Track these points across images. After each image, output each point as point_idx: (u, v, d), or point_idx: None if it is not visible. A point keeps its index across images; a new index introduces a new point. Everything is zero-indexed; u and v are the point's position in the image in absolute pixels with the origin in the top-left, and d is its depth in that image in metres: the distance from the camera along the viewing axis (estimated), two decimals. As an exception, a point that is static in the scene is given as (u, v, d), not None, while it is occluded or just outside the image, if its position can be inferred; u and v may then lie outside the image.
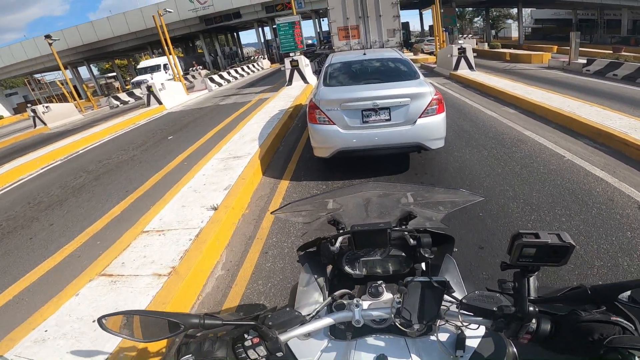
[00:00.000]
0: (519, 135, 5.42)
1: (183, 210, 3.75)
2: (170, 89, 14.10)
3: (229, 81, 20.06)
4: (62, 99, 23.99)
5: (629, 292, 0.66)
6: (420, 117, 4.03)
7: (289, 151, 5.92)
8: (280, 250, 3.13)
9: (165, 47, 14.92)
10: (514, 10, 35.01)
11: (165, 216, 3.69)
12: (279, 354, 0.74)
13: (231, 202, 3.78)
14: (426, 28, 37.69)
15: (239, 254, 3.16)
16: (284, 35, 13.33)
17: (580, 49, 13.08)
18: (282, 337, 0.76)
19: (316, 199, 1.16)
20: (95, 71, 44.59)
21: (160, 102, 13.32)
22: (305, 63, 13.27)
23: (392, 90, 4.12)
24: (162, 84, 13.68)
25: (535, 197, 3.48)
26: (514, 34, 37.42)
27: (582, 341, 0.62)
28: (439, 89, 9.47)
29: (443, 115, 4.14)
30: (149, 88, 13.28)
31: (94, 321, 2.14)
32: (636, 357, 0.54)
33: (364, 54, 5.52)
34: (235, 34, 43.79)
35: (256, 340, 0.73)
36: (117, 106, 18.53)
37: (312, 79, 13.76)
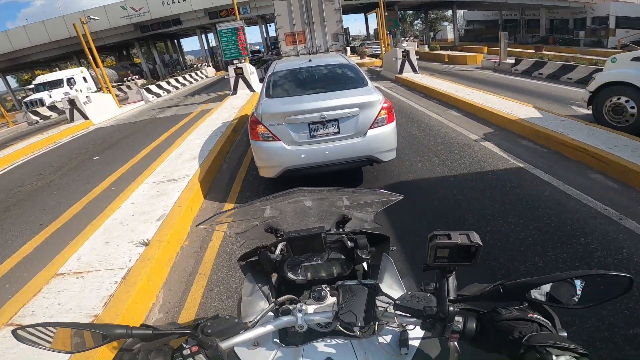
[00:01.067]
0: (465, 140, 5.49)
1: (107, 248, 3.22)
2: (98, 101, 12.71)
3: (168, 91, 18.74)
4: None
5: (544, 288, 0.66)
6: (370, 127, 3.79)
7: (234, 169, 5.42)
8: (228, 286, 2.75)
9: (90, 57, 13.42)
10: (449, 13, 37.50)
11: (85, 255, 3.15)
12: None
13: (165, 235, 3.29)
14: (371, 32, 38.92)
15: (179, 294, 2.75)
16: (227, 42, 12.67)
17: (507, 49, 14.12)
18: (224, 345, 0.75)
19: (246, 208, 1.15)
20: (14, 83, 39.60)
21: (86, 117, 11.92)
22: (250, 70, 12.76)
23: (340, 100, 3.81)
24: (87, 96, 12.26)
25: (488, 205, 3.42)
26: (450, 35, 40.00)
27: (504, 339, 0.64)
28: (386, 93, 9.73)
29: (393, 124, 3.94)
30: (71, 102, 11.82)
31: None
32: (553, 355, 0.55)
33: (310, 60, 5.13)
34: (176, 41, 41.55)
35: (195, 348, 0.71)
36: (37, 122, 16.41)
37: (258, 86, 13.24)
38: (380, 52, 26.86)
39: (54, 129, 11.48)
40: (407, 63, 11.66)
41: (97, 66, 13.88)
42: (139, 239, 3.25)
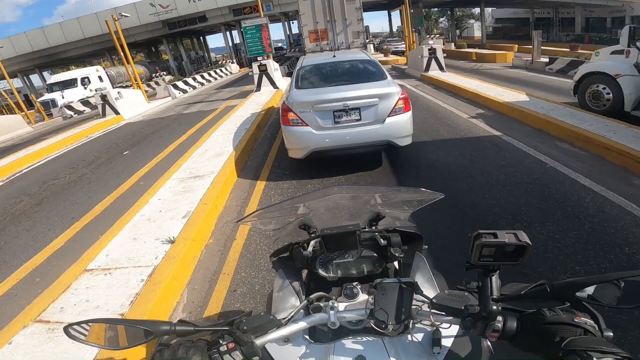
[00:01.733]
0: (496, 140, 5.26)
1: (134, 244, 3.25)
2: (129, 97, 13.13)
3: (194, 87, 19.13)
4: (7, 110, 21.99)
5: (588, 290, 0.65)
6: (388, 116, 4.21)
7: (258, 166, 5.43)
8: (251, 287, 2.72)
9: (122, 53, 13.89)
10: (477, 10, 36.26)
11: (113, 251, 3.18)
12: (255, 359, 0.74)
13: (191, 233, 3.30)
14: (395, 29, 38.36)
15: (203, 293, 2.74)
16: (251, 39, 12.76)
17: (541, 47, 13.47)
18: (258, 342, 0.75)
19: (283, 205, 1.16)
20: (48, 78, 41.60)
21: (117, 112, 12.34)
22: (274, 67, 12.81)
23: (361, 91, 4.25)
24: (118, 92, 12.68)
25: (524, 210, 3.25)
26: (477, 33, 38.62)
27: (544, 342, 0.63)
28: (412, 92, 9.55)
29: (409, 113, 4.35)
30: (103, 97, 12.27)
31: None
32: (594, 358, 0.54)
33: (334, 55, 5.57)
34: (201, 38, 42.42)
35: (231, 345, 0.72)
36: (71, 116, 17.13)
37: (282, 83, 13.28)
38: (403, 49, 26.73)
39: (87, 123, 11.97)
40: (433, 61, 11.34)
41: (128, 62, 14.35)
42: (165, 236, 3.26)
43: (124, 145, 8.36)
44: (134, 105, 13.20)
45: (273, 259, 1.15)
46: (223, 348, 0.72)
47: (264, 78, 12.37)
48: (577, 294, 0.66)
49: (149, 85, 22.36)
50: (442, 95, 8.96)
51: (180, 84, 17.98)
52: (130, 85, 15.49)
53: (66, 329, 0.68)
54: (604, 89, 5.82)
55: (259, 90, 12.37)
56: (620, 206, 3.18)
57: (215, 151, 5.76)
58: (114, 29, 13.67)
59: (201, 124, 9.26)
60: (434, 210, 3.00)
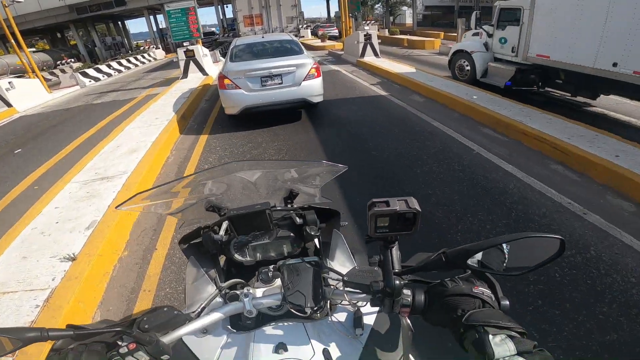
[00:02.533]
0: (426, 126, 5.33)
1: (24, 264, 2.65)
2: (23, 87, 10.98)
3: (109, 75, 16.86)
4: None
5: (477, 256, 0.63)
6: (304, 80, 5.42)
7: (181, 162, 4.76)
8: (179, 303, 2.27)
9: (13, 41, 11.57)
10: (409, -3, 37.64)
11: None
12: (165, 357, 0.66)
13: (97, 247, 2.74)
14: (332, 14, 38.18)
15: (120, 315, 2.29)
16: (176, 23, 11.43)
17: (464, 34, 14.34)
18: (166, 339, 0.68)
19: (171, 184, 1.01)
20: None
21: (9, 104, 10.26)
22: (203, 53, 11.67)
23: (282, 62, 5.44)
24: (9, 82, 10.50)
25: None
26: (408, 20, 40.12)
27: (448, 315, 0.62)
28: (347, 78, 9.47)
29: (320, 79, 5.61)
30: (-12, 88, 10.08)
31: None
32: (490, 334, 0.54)
33: (262, 37, 6.80)
34: (120, 22, 37.72)
35: (132, 346, 0.64)
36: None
37: (212, 69, 12.27)
38: (336, 34, 26.99)
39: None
40: (369, 47, 11.31)
41: (22, 50, 12.00)
42: (63, 252, 2.68)
43: (16, 142, 6.90)
44: (30, 96, 11.08)
45: (183, 246, 1.05)
46: (123, 350, 0.65)
47: (192, 64, 11.23)
48: (468, 261, 0.63)
49: (51, 74, 19.17)
50: (377, 80, 8.95)
51: (91, 71, 15.67)
52: (25, 75, 12.92)
53: None
54: (464, 62, 7.53)
55: (186, 77, 11.21)
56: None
57: (130, 147, 4.93)
58: (4, 16, 11.27)
59: (115, 114, 8.03)
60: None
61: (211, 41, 28.70)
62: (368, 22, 20.77)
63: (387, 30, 25.74)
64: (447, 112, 5.89)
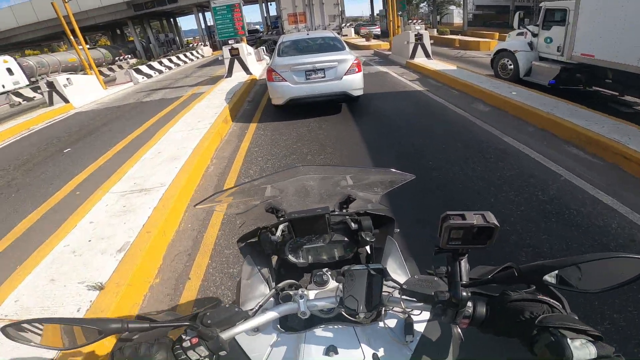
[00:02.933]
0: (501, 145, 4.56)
1: (52, 288, 2.44)
2: (80, 83, 11.52)
3: (160, 72, 17.44)
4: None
5: (555, 272, 0.64)
6: (345, 74, 5.75)
7: (222, 172, 4.46)
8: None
9: (72, 38, 12.19)
10: (458, -4, 35.52)
11: (25, 296, 2.42)
12: (223, 353, 0.70)
13: (127, 275, 2.47)
14: (377, 13, 37.03)
15: None
16: (222, 20, 11.41)
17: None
18: (224, 335, 0.71)
19: (245, 186, 1.10)
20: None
21: (66, 100, 10.79)
22: (247, 51, 11.54)
23: (326, 57, 5.84)
24: (67, 78, 11.06)
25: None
26: (456, 19, 37.94)
27: (514, 321, 0.61)
28: (398, 81, 8.84)
29: (361, 73, 5.92)
30: (50, 84, 10.65)
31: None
32: (567, 338, 0.53)
33: (307, 34, 7.48)
34: (172, 19, 39.50)
35: (195, 340, 0.67)
36: (19, 104, 15.19)
37: (256, 68, 12.11)
38: (377, 33, 26.05)
39: (32, 113, 10.36)
40: (420, 48, 10.48)
41: (81, 47, 12.65)
42: (92, 279, 2.45)
43: (67, 140, 7.09)
44: (86, 92, 11.61)
45: (240, 245, 1.10)
46: (186, 343, 0.67)
47: (236, 63, 11.13)
48: (545, 277, 0.63)
49: (110, 70, 20.33)
50: (432, 85, 8.16)
51: (144, 68, 16.28)
52: (82, 72, 13.60)
53: (4, 330, 0.64)
54: (507, 61, 7.61)
55: (230, 76, 11.13)
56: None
57: (170, 153, 4.72)
58: (64, 13, 11.91)
59: (160, 114, 8.04)
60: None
61: (255, 39, 29.02)
62: (414, 21, 19.73)
63: (435, 30, 24.32)
64: (519, 125, 5.06)
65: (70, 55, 22.11)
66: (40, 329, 0.65)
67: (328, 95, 5.84)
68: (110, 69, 19.64)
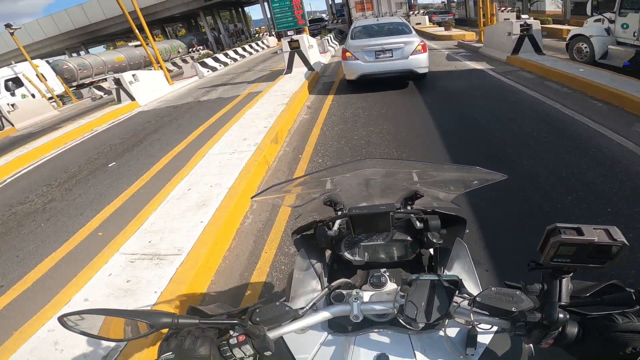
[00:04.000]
0: None
1: None
2: (146, 80, 11.32)
3: (225, 64, 17.04)
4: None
5: None
6: (411, 54, 6.58)
7: (261, 230, 3.18)
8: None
9: (137, 32, 12.04)
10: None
11: None
12: (268, 353, 0.65)
13: None
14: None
15: None
16: (280, 9, 10.12)
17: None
18: (272, 334, 0.68)
19: (307, 177, 1.05)
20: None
21: (132, 98, 10.64)
22: (308, 44, 10.12)
23: (393, 39, 6.73)
24: (133, 75, 10.88)
25: None
26: (549, 7, 31.24)
27: (612, 352, 0.52)
28: (503, 83, 6.73)
29: (426, 54, 6.71)
30: (117, 81, 10.56)
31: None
32: None
33: (377, 19, 8.54)
34: (241, 9, 39.78)
35: (242, 338, 0.64)
36: (101, 97, 15.99)
37: (319, 61, 10.72)
38: (447, 21, 22.85)
39: (100, 111, 10.37)
40: (527, 41, 8.02)
41: (147, 42, 12.50)
42: None
43: (117, 150, 6.53)
44: (153, 88, 11.40)
45: (295, 237, 1.03)
46: (233, 340, 0.64)
47: (296, 57, 9.83)
48: None
49: (183, 61, 20.62)
50: (560, 91, 5.91)
51: (209, 61, 15.95)
52: (150, 67, 13.56)
53: (61, 319, 0.63)
54: (583, 45, 7.69)
55: (290, 72, 9.90)
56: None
57: (200, 196, 3.57)
58: (131, 8, 11.75)
59: (213, 119, 7.10)
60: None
61: (319, 28, 27.47)
62: (501, 8, 16.34)
63: (532, 18, 20.13)
64: None
65: (117, 55, 22.21)
66: (95, 320, 0.64)
67: (395, 72, 6.57)
68: (184, 61, 19.88)
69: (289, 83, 8.53)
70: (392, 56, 6.54)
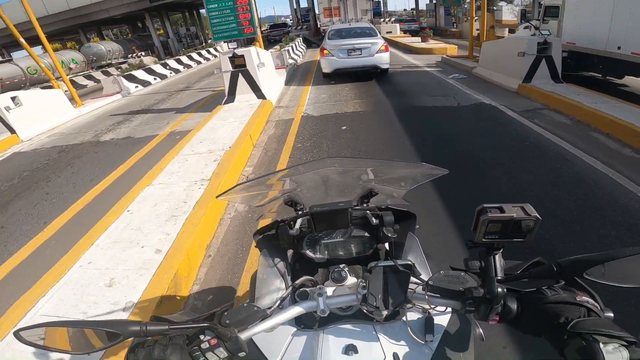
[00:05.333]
0: None
1: None
2: (36, 103, 8.12)
3: (163, 77, 13.98)
4: None
5: (597, 267, 0.60)
6: (376, 53, 8.20)
7: None
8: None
9: (22, 40, 8.80)
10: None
11: None
12: (242, 354, 0.66)
13: None
14: (422, 7, 31.79)
15: None
16: (218, 12, 7.38)
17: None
18: (243, 335, 0.68)
19: (267, 178, 1.06)
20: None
21: (11, 130, 7.49)
22: (260, 59, 7.51)
23: (362, 40, 8.29)
24: (13, 98, 7.63)
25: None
26: (505, 17, 30.73)
27: (547, 323, 0.59)
28: (536, 133, 4.28)
29: (388, 53, 8.41)
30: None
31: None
32: (600, 343, 0.51)
33: (349, 24, 11.77)
34: (195, 11, 36.12)
35: (214, 341, 0.64)
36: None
37: (275, 86, 8.23)
38: (416, 30, 21.63)
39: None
40: (543, 64, 6.11)
41: (47, 50, 9.23)
42: None
43: None
44: (45, 115, 8.23)
45: (257, 237, 1.05)
46: (205, 345, 0.63)
47: (241, 80, 7.21)
48: (586, 274, 0.60)
49: (88, 78, 16.81)
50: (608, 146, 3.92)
51: (139, 73, 12.82)
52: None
53: (17, 334, 0.58)
54: None
55: (232, 101, 7.25)
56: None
57: None
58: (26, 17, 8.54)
59: (94, 191, 4.31)
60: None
61: (282, 34, 24.92)
62: (467, 18, 14.90)
63: (506, 30, 19.04)
64: None
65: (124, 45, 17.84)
66: (54, 333, 0.61)
67: (363, 67, 8.30)
68: (106, 73, 16.28)
69: (225, 123, 5.87)
70: (361, 54, 8.10)
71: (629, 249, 0.57)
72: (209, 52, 20.79)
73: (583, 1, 6.52)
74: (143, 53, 21.61)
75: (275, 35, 28.24)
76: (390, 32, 19.13)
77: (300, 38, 18.08)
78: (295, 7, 28.04)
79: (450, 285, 0.67)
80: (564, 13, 7.10)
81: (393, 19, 21.60)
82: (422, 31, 15.08)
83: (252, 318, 0.68)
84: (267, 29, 33.70)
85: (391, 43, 13.95)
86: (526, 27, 9.06)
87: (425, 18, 32.30)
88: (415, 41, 15.24)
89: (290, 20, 29.84)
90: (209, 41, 22.73)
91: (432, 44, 13.55)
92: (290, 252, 1.05)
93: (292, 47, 14.83)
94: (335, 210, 0.88)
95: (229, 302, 0.76)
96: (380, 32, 9.61)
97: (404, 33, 19.85)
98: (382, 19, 21.81)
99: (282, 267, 0.96)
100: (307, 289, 0.80)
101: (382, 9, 26.49)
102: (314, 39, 20.13)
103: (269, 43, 23.32)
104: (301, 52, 16.98)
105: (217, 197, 1.03)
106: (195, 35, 33.04)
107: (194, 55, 18.26)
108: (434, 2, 27.79)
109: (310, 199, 1.04)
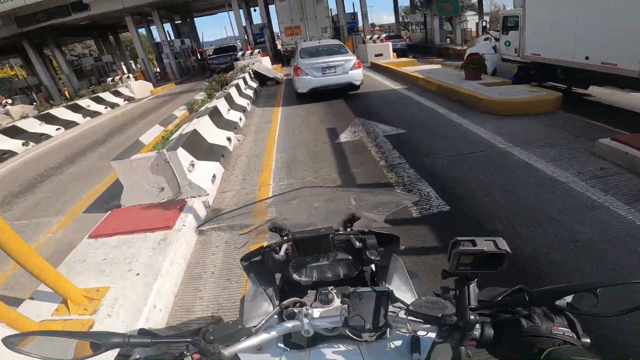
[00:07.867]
0: None
1: None
2: None
3: (13, 154, 8.98)
4: None
5: (567, 298, 0.68)
6: (350, 70, 9.20)
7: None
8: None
9: None
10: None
11: None
12: None
13: None
14: (406, 19, 29.80)
15: None
16: None
17: None
18: (227, 352, 0.75)
19: (248, 208, 1.23)
20: None
21: None
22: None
23: (336, 58, 9.35)
24: None
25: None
26: (474, 28, 29.47)
27: (522, 352, 0.65)
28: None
29: (361, 69, 9.48)
30: None
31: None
32: None
33: (319, 42, 11.60)
34: (110, 36, 31.54)
35: (196, 356, 0.71)
36: None
37: (205, 179, 3.79)
38: (402, 47, 19.50)
39: None
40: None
41: None
42: None
43: None
44: None
45: (244, 264, 1.16)
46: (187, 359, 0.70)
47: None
48: (557, 302, 0.68)
49: None
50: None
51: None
52: None
53: (6, 341, 0.66)
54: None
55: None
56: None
57: None
58: None
59: None
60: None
61: (230, 61, 20.76)
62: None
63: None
64: None
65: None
66: (42, 342, 0.68)
67: (338, 84, 9.21)
68: None
69: None
70: (335, 72, 9.20)
71: (598, 282, 0.64)
72: (117, 93, 16.09)
73: (544, 11, 7.14)
74: (9, 101, 16.37)
75: (220, 63, 24.06)
76: (381, 54, 14.98)
77: (249, 72, 12.39)
78: (245, 24, 24.23)
79: (430, 311, 0.73)
80: (525, 23, 7.80)
81: (384, 35, 18.03)
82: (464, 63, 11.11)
83: (236, 335, 0.77)
84: (210, 55, 29.61)
85: (389, 76, 11.66)
86: (487, 39, 10.24)
87: (408, 32, 30.14)
88: (424, 68, 11.36)
89: (239, 42, 25.56)
90: (114, 80, 17.80)
91: (402, 65, 11.14)
92: (278, 276, 1.14)
93: (237, 86, 10.26)
94: (317, 236, 0.99)
95: (215, 320, 0.74)
96: (359, 55, 11.31)
97: (403, 60, 15.84)
98: (364, 35, 18.26)
99: (270, 291, 1.06)
100: (295, 310, 0.87)
101: (360, 23, 23.23)
102: (270, 74, 13.82)
103: (210, 74, 18.32)
104: (242, 114, 8.59)
105: (198, 228, 1.19)
106: (110, 67, 28.02)
107: (83, 104, 13.39)
108: (424, 12, 25.60)
109: (295, 224, 1.15)
